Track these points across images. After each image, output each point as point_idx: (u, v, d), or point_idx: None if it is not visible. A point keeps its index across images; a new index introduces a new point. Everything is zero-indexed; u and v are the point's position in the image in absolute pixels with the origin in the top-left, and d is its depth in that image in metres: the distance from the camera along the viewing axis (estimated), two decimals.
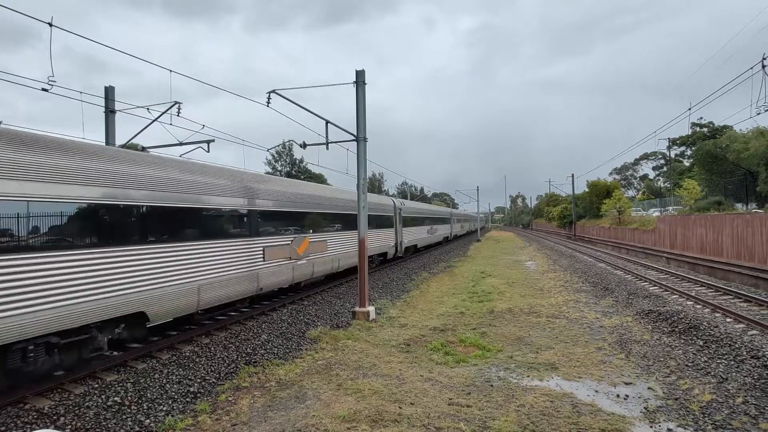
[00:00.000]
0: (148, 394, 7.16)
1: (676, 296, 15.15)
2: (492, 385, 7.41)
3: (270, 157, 64.04)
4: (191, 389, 7.50)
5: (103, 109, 13.93)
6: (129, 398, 6.98)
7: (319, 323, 11.93)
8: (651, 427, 5.95)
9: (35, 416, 6.29)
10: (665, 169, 70.35)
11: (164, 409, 6.77)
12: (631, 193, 76.54)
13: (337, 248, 16.79)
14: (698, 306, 13.48)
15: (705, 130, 56.73)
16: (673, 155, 59.69)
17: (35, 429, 5.91)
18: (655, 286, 17.39)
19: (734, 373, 7.60)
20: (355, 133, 12.99)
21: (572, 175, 57.02)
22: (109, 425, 6.19)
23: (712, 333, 9.76)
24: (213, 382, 7.88)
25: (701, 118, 58.00)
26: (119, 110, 14.06)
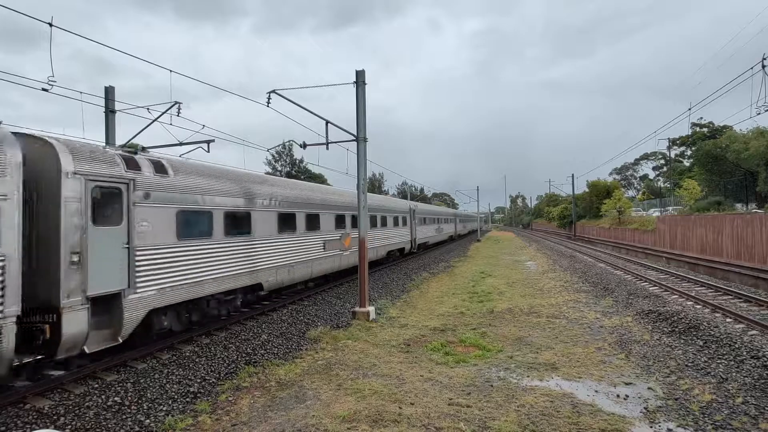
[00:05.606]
0: (148, 394, 7.16)
1: (676, 296, 15.15)
2: (492, 385, 7.41)
3: (270, 157, 64.20)
4: (191, 389, 7.50)
5: (104, 109, 13.94)
6: (129, 398, 6.98)
7: (319, 323, 11.93)
8: (651, 427, 5.94)
9: (35, 416, 6.29)
10: (665, 169, 70.36)
11: (164, 409, 6.77)
12: (631, 193, 76.58)
13: (443, 231, 42.37)
14: (698, 306, 13.48)
15: (705, 130, 56.76)
16: (673, 155, 59.72)
17: (35, 429, 5.91)
18: (655, 286, 17.39)
19: (734, 373, 7.60)
20: (356, 133, 12.99)
21: (572, 175, 57.28)
22: (109, 425, 6.19)
23: (712, 333, 9.77)
24: (213, 382, 7.88)
25: (701, 118, 58.12)
26: (119, 110, 14.06)
